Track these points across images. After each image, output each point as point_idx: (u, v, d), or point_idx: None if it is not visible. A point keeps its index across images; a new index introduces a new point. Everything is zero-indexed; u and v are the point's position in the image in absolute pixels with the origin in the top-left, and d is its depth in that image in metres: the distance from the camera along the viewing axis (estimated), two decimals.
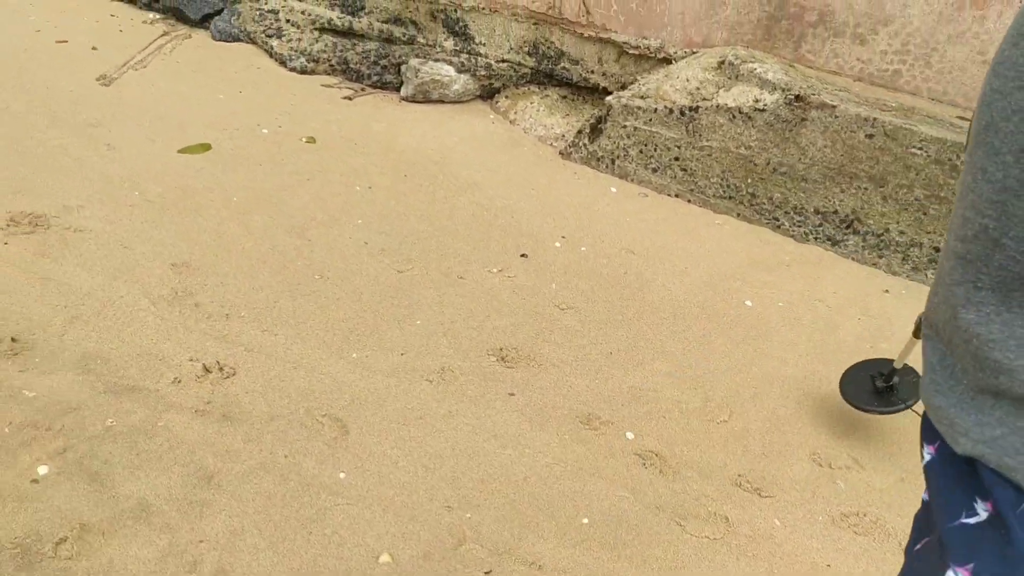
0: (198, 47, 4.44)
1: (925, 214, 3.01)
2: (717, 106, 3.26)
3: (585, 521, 1.93)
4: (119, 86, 3.86)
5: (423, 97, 4.14)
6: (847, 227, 3.19)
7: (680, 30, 3.59)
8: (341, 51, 4.30)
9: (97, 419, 2.01)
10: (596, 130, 3.66)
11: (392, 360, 2.36)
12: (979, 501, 0.77)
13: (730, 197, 3.39)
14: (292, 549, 1.75)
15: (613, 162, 3.63)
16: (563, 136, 3.90)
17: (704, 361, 2.53)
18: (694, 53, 3.57)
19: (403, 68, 4.20)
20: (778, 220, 3.32)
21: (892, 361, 2.23)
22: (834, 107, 3.02)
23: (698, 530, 1.95)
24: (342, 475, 1.95)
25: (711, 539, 1.93)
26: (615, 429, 2.22)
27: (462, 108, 4.17)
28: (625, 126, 3.53)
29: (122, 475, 1.88)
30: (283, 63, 4.35)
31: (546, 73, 4.09)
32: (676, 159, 3.46)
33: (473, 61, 4.13)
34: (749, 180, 3.32)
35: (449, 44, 4.19)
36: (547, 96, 4.11)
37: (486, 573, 1.76)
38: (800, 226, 3.28)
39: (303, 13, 4.36)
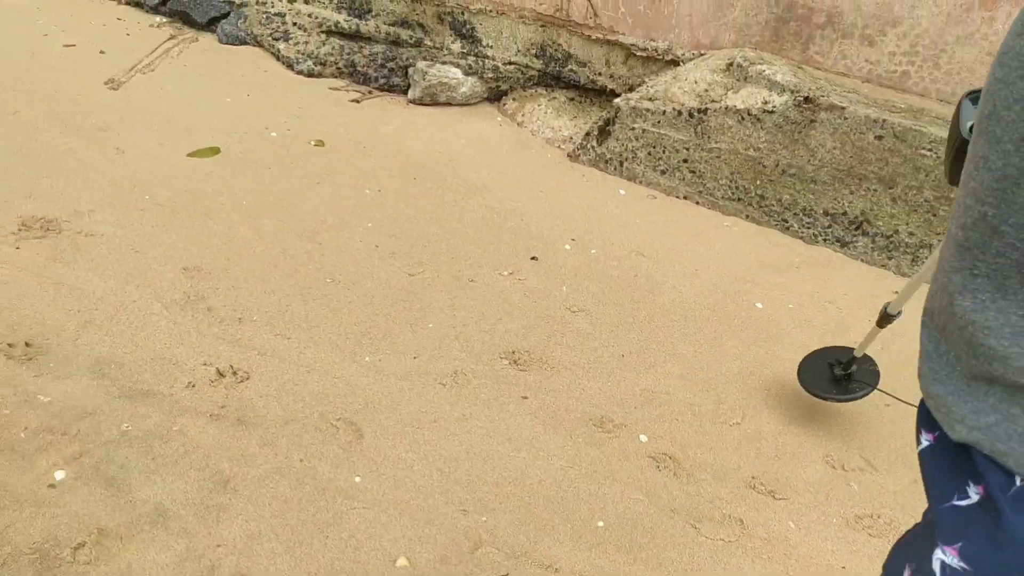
0: (205, 50, 4.45)
1: (935, 215, 3.01)
2: (726, 108, 3.26)
3: (600, 524, 1.93)
4: (127, 90, 3.87)
5: (431, 100, 4.15)
6: (856, 228, 3.19)
7: (688, 32, 3.59)
8: (348, 54, 4.31)
9: (112, 424, 2.02)
10: (604, 132, 3.66)
11: (405, 363, 2.36)
12: (971, 485, 0.78)
13: (739, 199, 3.40)
14: (309, 553, 1.76)
15: (621, 164, 3.64)
16: (571, 138, 3.90)
17: (716, 363, 2.53)
18: (702, 55, 3.57)
19: (410, 71, 4.20)
20: (787, 222, 3.32)
21: (850, 349, 2.26)
22: (843, 109, 3.03)
23: (713, 532, 1.95)
24: (357, 479, 1.95)
25: (726, 541, 1.93)
26: (628, 432, 2.22)
27: (470, 111, 4.18)
28: (633, 128, 3.53)
29: (138, 479, 1.88)
30: (290, 66, 4.35)
31: (553, 75, 4.09)
32: (685, 161, 3.46)
33: (480, 63, 4.14)
34: (758, 182, 3.32)
35: (456, 47, 4.19)
36: (554, 98, 4.12)
37: None
38: (809, 228, 3.28)
39: (310, 16, 4.37)
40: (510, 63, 4.13)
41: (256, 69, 4.31)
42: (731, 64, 3.39)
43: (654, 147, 3.52)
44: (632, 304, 2.77)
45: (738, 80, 3.33)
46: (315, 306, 2.55)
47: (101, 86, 3.85)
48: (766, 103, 3.18)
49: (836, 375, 2.25)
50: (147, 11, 4.84)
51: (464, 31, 4.14)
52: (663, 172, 3.53)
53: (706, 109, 3.31)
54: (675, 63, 3.66)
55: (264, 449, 2.01)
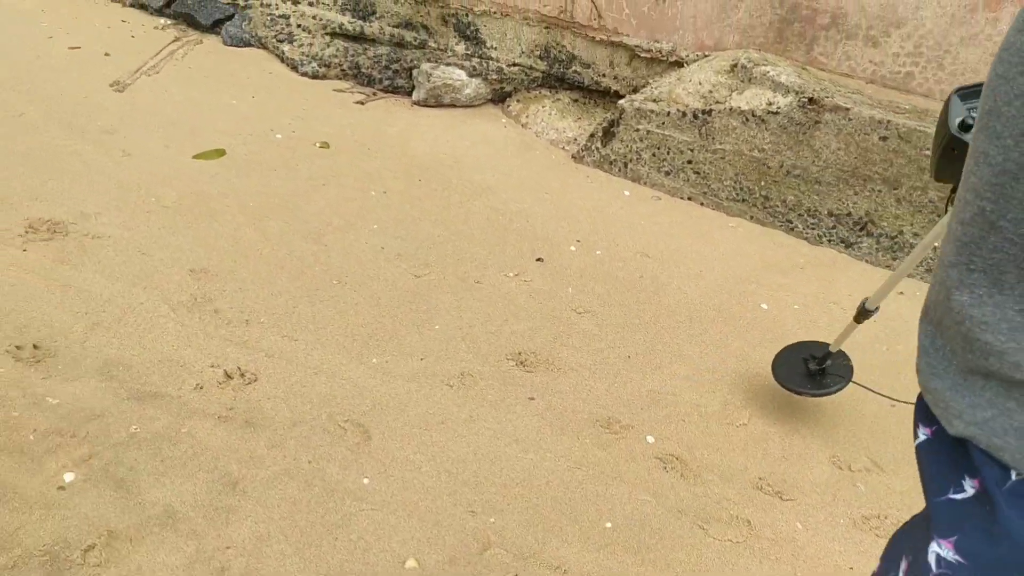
0: (210, 52, 4.46)
1: (939, 216, 3.01)
2: (730, 109, 3.27)
3: (608, 525, 1.93)
4: (132, 92, 3.88)
5: (435, 101, 4.15)
6: (861, 229, 3.19)
7: (692, 33, 3.60)
8: (352, 56, 4.32)
9: (121, 426, 2.02)
10: (609, 133, 3.67)
11: (412, 365, 2.37)
12: (967, 479, 0.78)
13: (743, 200, 3.40)
14: (318, 555, 1.76)
15: (626, 165, 3.64)
16: (575, 140, 3.91)
17: (722, 364, 2.53)
18: (706, 56, 3.57)
19: (415, 72, 4.21)
20: (792, 223, 3.32)
21: (825, 344, 2.28)
22: (848, 109, 3.03)
23: (721, 533, 1.95)
24: (366, 480, 1.96)
25: (734, 542, 1.94)
26: (635, 433, 2.23)
27: (474, 112, 4.18)
28: (638, 129, 3.54)
29: (147, 482, 1.89)
30: (295, 68, 4.36)
31: (557, 77, 4.10)
32: (689, 162, 3.46)
33: (484, 65, 4.14)
34: (762, 183, 3.32)
35: (460, 48, 4.20)
36: (558, 100, 4.12)
37: None
38: (814, 228, 3.28)
39: (314, 18, 4.38)
40: (514, 64, 4.14)
41: (261, 71, 4.32)
42: (735, 65, 3.39)
43: (658, 148, 3.52)
44: (638, 305, 2.77)
45: (742, 81, 3.33)
46: (322, 308, 2.55)
47: (106, 88, 3.86)
48: (770, 104, 3.19)
49: (811, 370, 2.27)
50: (151, 13, 4.85)
51: (468, 33, 4.15)
52: (667, 173, 3.54)
53: (710, 110, 3.31)
54: (679, 64, 3.67)
55: (272, 451, 2.01)
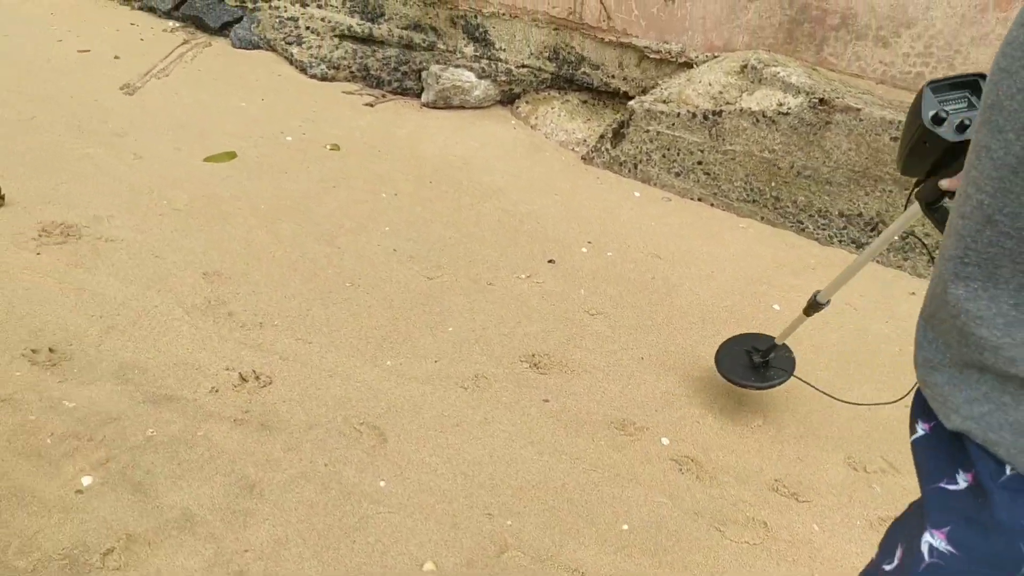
0: (219, 55, 4.46)
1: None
2: (740, 110, 3.27)
3: (625, 527, 1.93)
4: (142, 95, 3.88)
5: (444, 103, 4.15)
6: (872, 230, 3.19)
7: (701, 34, 3.59)
8: (361, 58, 4.32)
9: (138, 429, 2.03)
10: (619, 135, 3.67)
11: (426, 367, 2.37)
12: (960, 472, 0.80)
13: (754, 201, 3.40)
14: (336, 558, 1.77)
15: (636, 166, 3.64)
16: (584, 141, 3.91)
17: None
18: (716, 57, 3.57)
19: (423, 74, 4.21)
20: (802, 223, 3.32)
21: (770, 337, 2.28)
22: (858, 110, 3.03)
23: (737, 535, 1.95)
24: (382, 483, 1.96)
25: (751, 544, 1.94)
26: (650, 435, 2.23)
27: (483, 114, 4.19)
28: (648, 131, 3.53)
29: (165, 485, 1.89)
30: (303, 70, 4.37)
31: (566, 78, 4.10)
32: (699, 163, 3.46)
33: (493, 67, 4.15)
34: (773, 184, 3.32)
35: (469, 50, 4.20)
36: (567, 101, 4.12)
37: None
38: (824, 229, 3.28)
39: (323, 20, 4.39)
40: (523, 66, 4.14)
41: (270, 73, 4.33)
42: (745, 66, 3.39)
43: (668, 149, 3.52)
44: (650, 307, 2.77)
45: (752, 82, 3.33)
46: (335, 310, 2.56)
47: (116, 91, 3.87)
48: (781, 105, 3.18)
49: (755, 362, 2.26)
50: (160, 16, 4.86)
51: (477, 34, 4.15)
52: (678, 174, 3.54)
53: (721, 111, 3.31)
54: (688, 65, 3.67)
55: (289, 454, 2.01)
